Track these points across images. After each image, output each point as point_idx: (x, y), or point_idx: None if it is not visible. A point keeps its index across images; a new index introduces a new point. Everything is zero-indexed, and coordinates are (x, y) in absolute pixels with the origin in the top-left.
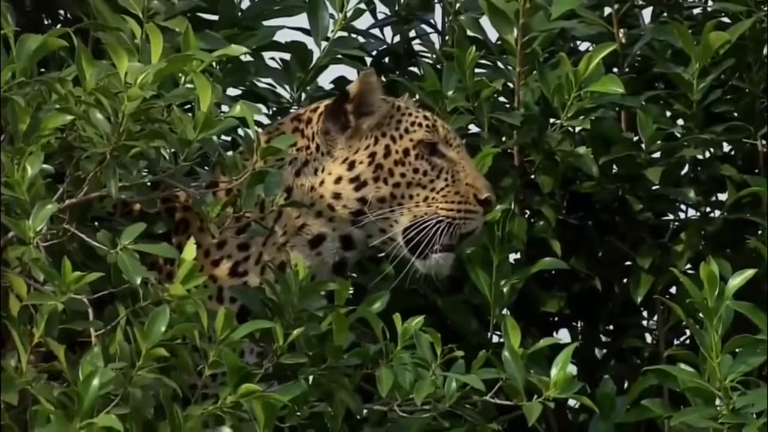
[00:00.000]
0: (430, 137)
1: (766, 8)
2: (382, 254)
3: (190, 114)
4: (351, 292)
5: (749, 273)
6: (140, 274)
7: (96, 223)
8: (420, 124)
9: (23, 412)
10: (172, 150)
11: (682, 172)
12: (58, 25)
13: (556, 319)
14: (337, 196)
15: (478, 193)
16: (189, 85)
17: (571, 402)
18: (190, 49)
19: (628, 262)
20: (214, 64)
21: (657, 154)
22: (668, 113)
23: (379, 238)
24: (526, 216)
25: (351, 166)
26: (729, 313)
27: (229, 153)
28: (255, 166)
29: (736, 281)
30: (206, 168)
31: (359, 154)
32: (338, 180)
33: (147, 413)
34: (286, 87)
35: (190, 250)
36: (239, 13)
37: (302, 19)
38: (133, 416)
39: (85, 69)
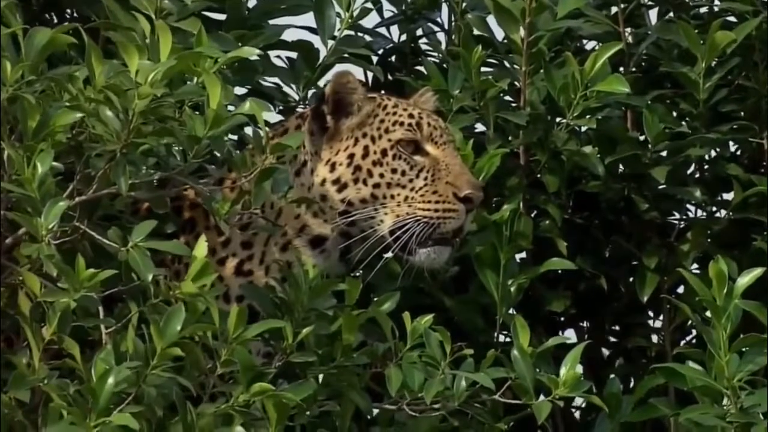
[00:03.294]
0: (411, 136)
1: None
2: (387, 252)
3: (198, 112)
4: None
5: (758, 271)
6: (152, 271)
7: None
8: (401, 123)
9: (35, 410)
10: (181, 148)
11: (688, 172)
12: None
13: (562, 318)
14: (323, 197)
15: (457, 191)
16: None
17: (577, 401)
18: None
19: (634, 262)
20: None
21: (663, 154)
22: (674, 112)
23: (372, 236)
24: (532, 215)
25: (332, 167)
26: (737, 312)
27: (236, 151)
28: (264, 163)
29: (745, 280)
30: (214, 166)
31: (339, 156)
32: (323, 182)
33: (158, 412)
34: (292, 86)
35: (201, 248)
36: (246, 12)
37: (309, 18)
38: (146, 415)
39: (95, 67)
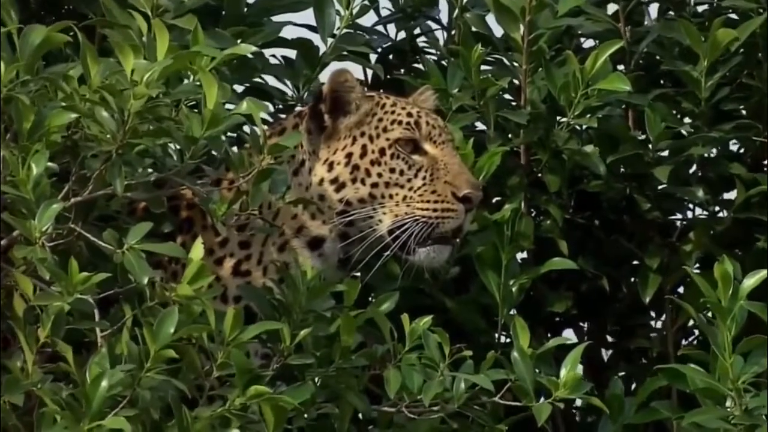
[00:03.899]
0: (409, 135)
1: None
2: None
3: (195, 111)
4: None
5: (763, 273)
6: (147, 274)
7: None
8: (399, 122)
9: (29, 414)
10: (178, 148)
11: (690, 171)
12: None
13: (562, 319)
14: (321, 197)
15: (456, 190)
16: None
17: (578, 402)
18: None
19: (636, 262)
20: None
21: (665, 153)
22: (676, 111)
23: (371, 236)
24: (533, 215)
25: (330, 167)
26: (742, 313)
27: (234, 149)
28: (262, 164)
29: (751, 281)
30: (211, 165)
31: (337, 155)
32: (321, 181)
33: (154, 415)
34: (289, 84)
35: (197, 250)
36: (245, 9)
37: (308, 16)
38: (141, 418)
39: (90, 66)
